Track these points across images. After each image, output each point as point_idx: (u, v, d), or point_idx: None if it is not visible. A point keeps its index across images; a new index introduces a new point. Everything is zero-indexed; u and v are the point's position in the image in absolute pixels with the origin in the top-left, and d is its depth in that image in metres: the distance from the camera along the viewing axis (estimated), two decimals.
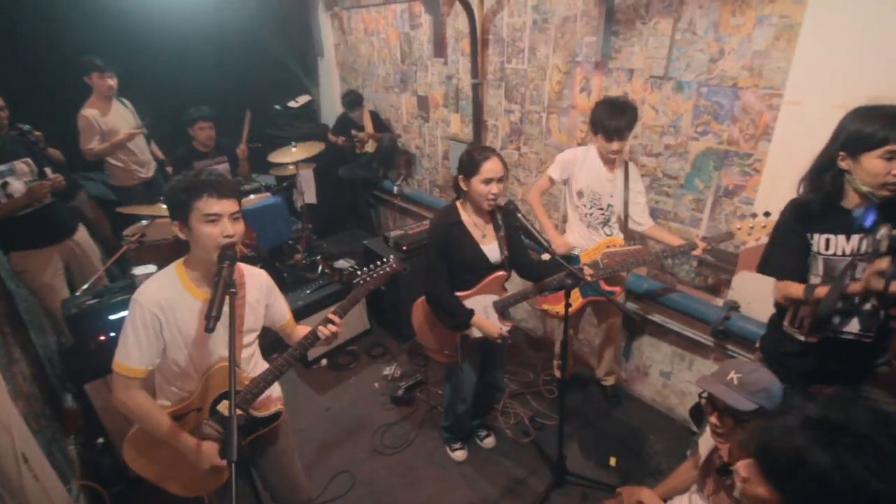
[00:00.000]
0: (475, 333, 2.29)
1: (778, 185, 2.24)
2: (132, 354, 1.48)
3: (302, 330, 1.84)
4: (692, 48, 2.40)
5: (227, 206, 1.46)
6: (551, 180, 2.76)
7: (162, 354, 1.54)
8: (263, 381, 1.64)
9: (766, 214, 2.20)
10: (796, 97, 2.10)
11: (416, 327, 2.42)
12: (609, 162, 2.57)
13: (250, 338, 1.72)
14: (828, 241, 1.67)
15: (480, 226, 2.20)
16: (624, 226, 2.70)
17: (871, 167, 1.51)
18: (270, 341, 1.93)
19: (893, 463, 0.84)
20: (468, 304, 2.25)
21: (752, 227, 2.23)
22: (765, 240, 2.23)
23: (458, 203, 2.21)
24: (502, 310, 2.30)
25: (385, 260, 1.89)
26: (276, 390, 1.82)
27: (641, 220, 2.62)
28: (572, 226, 2.79)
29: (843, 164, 1.60)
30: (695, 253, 2.38)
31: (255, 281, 1.72)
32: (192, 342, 1.56)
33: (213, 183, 1.45)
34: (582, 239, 2.72)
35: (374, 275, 1.84)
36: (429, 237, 2.27)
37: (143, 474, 1.67)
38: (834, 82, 1.98)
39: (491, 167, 2.03)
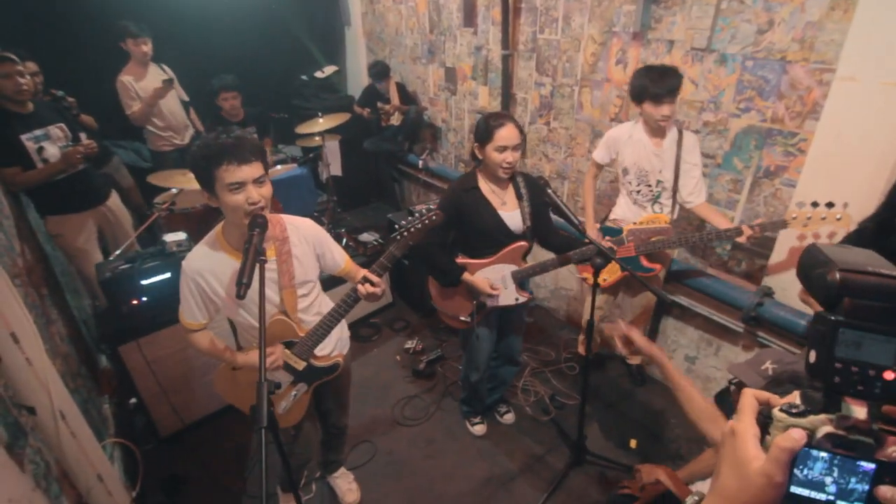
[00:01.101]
0: (489, 301, 2.28)
1: (823, 166, 2.12)
2: (186, 311, 1.67)
3: (361, 271, 1.82)
4: (738, 18, 2.27)
5: (248, 172, 1.44)
6: (598, 165, 2.68)
7: (217, 311, 1.70)
8: (319, 332, 1.73)
9: (829, 205, 2.02)
10: (850, 72, 1.97)
11: (432, 292, 2.42)
12: (658, 134, 2.45)
13: (306, 289, 1.77)
14: None
15: (499, 193, 2.16)
16: (674, 203, 2.56)
17: None
18: None
19: None
20: (486, 272, 2.23)
21: (809, 218, 2.05)
22: (823, 230, 2.10)
23: (477, 170, 2.18)
24: (521, 280, 2.27)
25: (424, 210, 1.78)
26: (331, 343, 1.92)
27: (690, 197, 2.45)
28: (620, 200, 2.70)
29: None
30: (739, 239, 2.27)
31: (301, 232, 1.73)
32: (244, 303, 1.63)
33: (232, 148, 1.41)
34: (630, 215, 2.63)
35: (413, 228, 1.72)
36: (441, 199, 2.25)
37: (231, 401, 1.92)
38: (893, 57, 1.84)
39: (505, 134, 1.98)
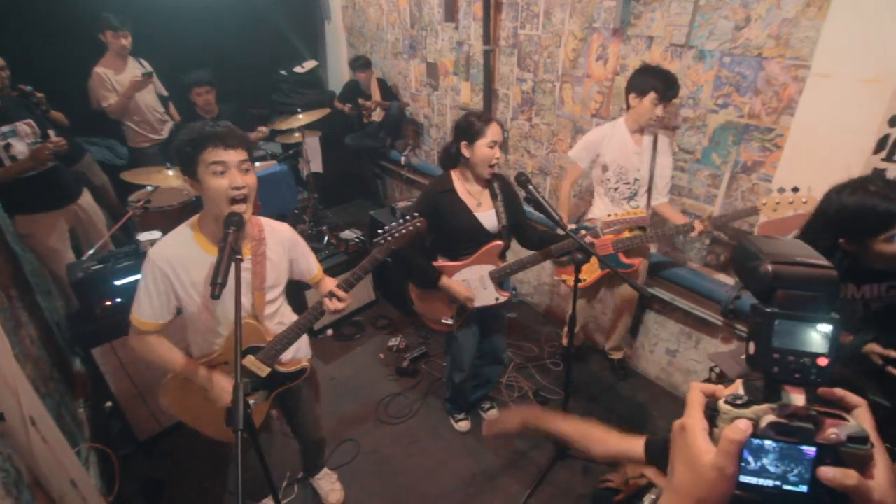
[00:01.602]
0: (468, 303, 2.27)
1: (799, 161, 2.16)
2: (143, 309, 1.54)
3: (330, 283, 1.84)
4: (716, 14, 2.29)
5: (233, 155, 1.42)
6: (580, 170, 2.70)
7: (180, 310, 1.58)
8: (285, 339, 1.67)
9: (795, 189, 2.12)
10: (824, 69, 2.00)
11: (413, 297, 2.41)
12: (638, 132, 2.50)
13: (274, 293, 1.72)
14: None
15: (475, 193, 2.17)
16: (648, 200, 2.62)
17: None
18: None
19: None
20: (464, 273, 2.23)
21: (777, 203, 2.14)
22: (790, 214, 2.17)
23: (452, 172, 2.18)
24: (500, 279, 2.27)
25: (407, 217, 1.77)
26: (294, 349, 1.84)
27: (658, 196, 2.57)
28: (597, 199, 2.74)
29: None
30: (692, 235, 2.37)
31: (277, 236, 1.70)
32: (207, 298, 1.54)
33: (220, 134, 1.41)
34: (607, 212, 2.66)
35: (396, 233, 1.74)
36: (415, 203, 2.25)
37: (181, 417, 1.78)
38: (866, 54, 1.88)
39: (496, 130, 2.03)
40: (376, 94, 4.61)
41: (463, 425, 2.79)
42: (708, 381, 1.70)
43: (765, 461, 0.50)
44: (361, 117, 4.74)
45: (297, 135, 4.07)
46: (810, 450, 0.48)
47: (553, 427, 1.27)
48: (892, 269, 1.50)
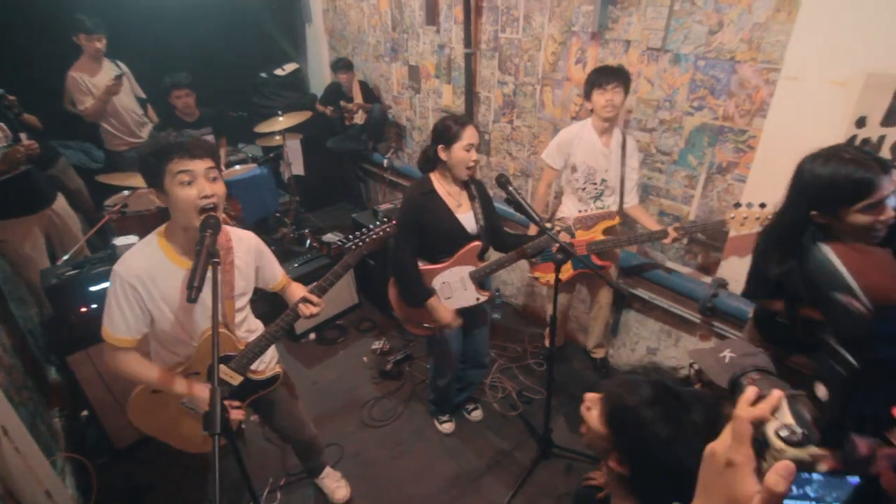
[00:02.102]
0: (450, 304, 2.29)
1: (771, 162, 2.22)
2: (117, 325, 1.49)
3: (297, 289, 1.85)
4: (691, 19, 2.34)
5: (200, 164, 1.41)
6: (554, 171, 2.74)
7: (151, 324, 1.54)
8: (257, 347, 1.66)
9: (762, 206, 2.17)
10: (794, 72, 2.06)
11: (392, 302, 2.41)
12: (606, 133, 2.54)
13: (242, 302, 1.71)
14: None
15: (455, 195, 2.20)
16: (616, 201, 2.68)
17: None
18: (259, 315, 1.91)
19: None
20: (445, 275, 2.24)
21: (745, 218, 2.21)
22: (757, 229, 2.22)
23: (431, 174, 2.20)
24: (480, 280, 2.29)
25: (378, 222, 1.83)
26: (270, 354, 1.84)
27: (627, 198, 2.62)
28: (566, 199, 2.78)
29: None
30: (665, 241, 2.42)
31: (244, 244, 1.70)
32: (180, 311, 1.53)
33: (184, 144, 1.39)
34: (575, 212, 2.70)
35: (368, 238, 1.79)
36: (399, 209, 2.26)
37: (149, 432, 1.74)
38: (833, 58, 1.94)
39: (472, 133, 2.05)
40: (358, 97, 4.60)
41: (447, 427, 2.79)
42: (683, 381, 1.73)
43: (807, 489, 0.48)
44: (343, 120, 4.73)
45: (277, 137, 4.05)
46: (854, 479, 0.47)
47: None
48: None
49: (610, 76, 2.39)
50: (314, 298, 1.67)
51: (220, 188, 1.46)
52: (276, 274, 1.85)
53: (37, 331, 3.05)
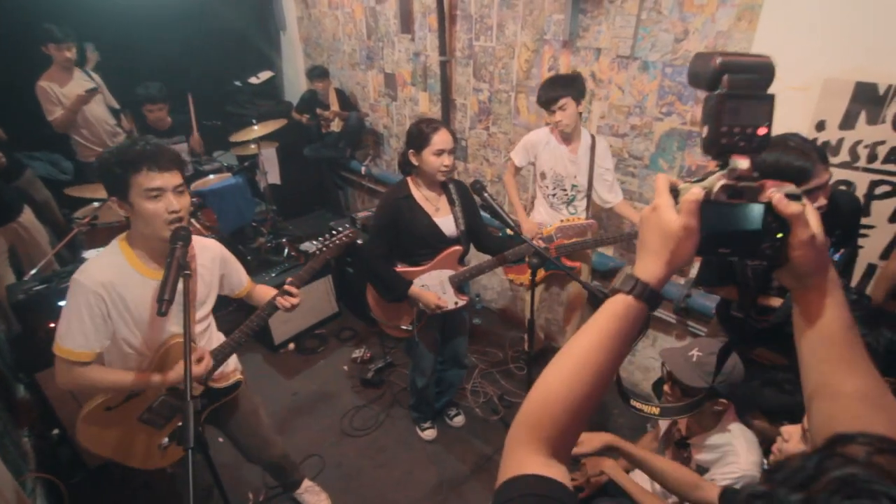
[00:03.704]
0: (429, 309, 2.29)
1: None
2: (76, 339, 1.42)
3: (264, 290, 1.84)
4: (657, 28, 2.41)
5: (168, 179, 1.39)
6: (516, 167, 2.78)
7: (112, 336, 1.49)
8: (222, 354, 1.64)
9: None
10: None
11: (371, 303, 2.41)
12: (571, 140, 2.57)
13: (204, 311, 1.69)
14: None
15: (433, 199, 2.20)
16: (587, 205, 2.71)
17: None
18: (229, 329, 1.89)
19: None
20: (424, 279, 2.25)
21: None
22: None
23: (408, 178, 2.20)
24: (459, 284, 2.30)
25: (340, 229, 1.89)
26: (232, 361, 1.82)
27: (608, 198, 2.62)
28: (538, 204, 2.82)
29: None
30: (636, 241, 2.44)
31: (208, 253, 1.68)
32: (144, 322, 1.50)
33: (151, 154, 1.36)
34: (547, 217, 2.75)
35: (331, 244, 1.84)
36: (375, 211, 2.27)
37: (102, 453, 1.66)
38: (793, 64, 2.02)
39: (441, 138, 2.04)
40: (335, 105, 4.59)
41: (429, 433, 2.79)
42: (659, 380, 1.79)
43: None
44: (320, 128, 4.71)
45: (252, 146, 4.01)
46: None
47: (630, 452, 1.55)
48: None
49: (551, 93, 2.41)
50: (294, 290, 1.66)
51: (185, 202, 1.45)
52: (241, 280, 1.84)
53: (4, 347, 2.95)
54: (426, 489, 2.51)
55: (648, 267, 0.64)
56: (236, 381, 1.80)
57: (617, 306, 0.64)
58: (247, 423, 1.96)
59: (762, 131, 0.60)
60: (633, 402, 0.86)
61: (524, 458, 0.63)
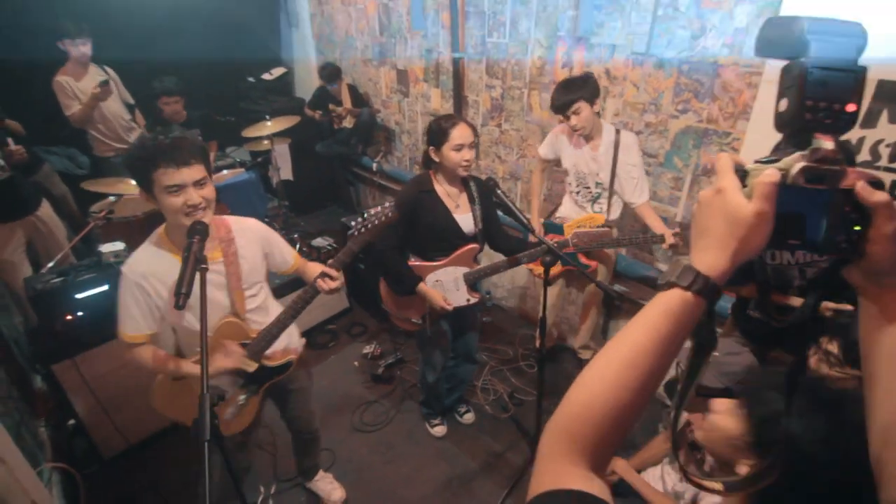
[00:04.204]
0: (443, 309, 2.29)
1: None
2: (128, 324, 1.54)
3: (315, 267, 1.83)
4: (674, 24, 2.38)
5: (187, 174, 1.40)
6: (544, 160, 2.77)
7: (162, 320, 1.59)
8: (269, 334, 1.67)
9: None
10: (776, 76, 2.08)
11: (383, 295, 2.42)
12: (592, 138, 2.53)
13: (254, 289, 1.72)
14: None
15: (454, 195, 2.20)
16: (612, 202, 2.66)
17: None
18: None
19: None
20: (438, 274, 2.25)
21: None
22: None
23: (430, 172, 2.20)
24: (473, 282, 2.30)
25: (380, 207, 1.79)
26: (283, 342, 1.84)
27: (633, 198, 2.53)
28: (565, 200, 2.81)
29: None
30: (663, 246, 2.40)
31: (248, 234, 1.70)
32: (191, 306, 1.51)
33: (169, 149, 1.37)
34: (573, 213, 2.75)
35: (370, 224, 1.75)
36: (396, 201, 2.25)
37: (173, 417, 1.77)
38: None
39: (460, 133, 2.02)
40: (347, 101, 4.60)
41: (439, 430, 2.79)
42: (672, 381, 1.77)
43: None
44: (332, 124, 4.72)
45: (265, 142, 4.03)
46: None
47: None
48: None
49: (564, 98, 2.38)
50: (333, 272, 1.66)
51: (208, 192, 1.47)
52: (286, 258, 1.84)
53: (21, 339, 3.00)
54: (436, 485, 2.52)
55: (710, 258, 0.56)
56: (288, 361, 1.83)
57: (671, 302, 0.56)
58: (300, 398, 2.09)
59: (851, 108, 0.52)
60: (692, 477, 0.76)
61: (562, 470, 0.56)
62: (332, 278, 1.68)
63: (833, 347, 1.42)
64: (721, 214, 0.56)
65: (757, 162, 0.57)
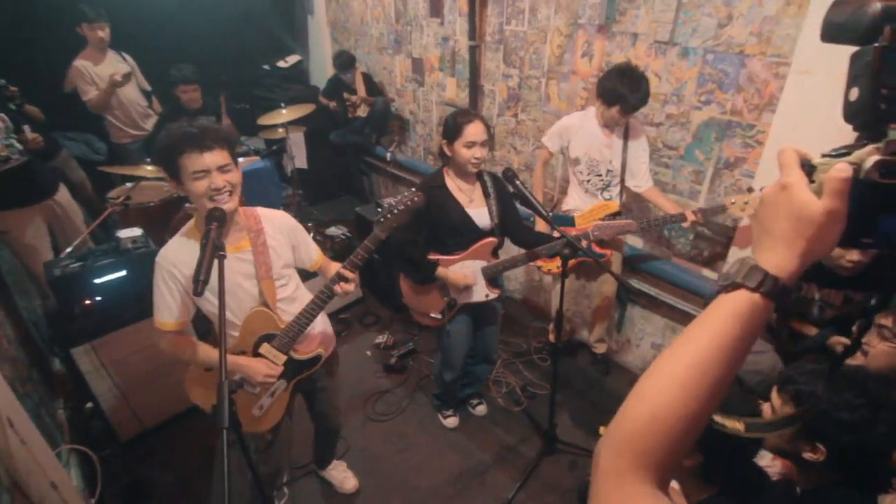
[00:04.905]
0: (460, 298, 2.27)
1: None
2: (162, 312, 1.58)
3: (334, 267, 1.82)
4: (699, 12, 2.31)
5: (211, 159, 1.43)
6: (549, 151, 2.73)
7: (195, 308, 1.63)
8: (295, 327, 1.67)
9: (763, 189, 2.17)
10: (805, 66, 2.04)
11: (403, 290, 2.41)
12: (608, 126, 2.51)
13: (284, 279, 1.74)
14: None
15: (466, 190, 2.18)
16: (621, 190, 2.65)
17: None
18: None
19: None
20: (456, 268, 2.23)
21: (746, 203, 2.17)
22: None
23: (444, 169, 2.19)
24: (491, 276, 2.28)
25: (406, 193, 1.76)
26: (324, 334, 1.90)
27: (640, 182, 2.55)
28: (572, 190, 2.77)
29: None
30: (685, 224, 2.37)
31: (276, 224, 1.72)
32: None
33: (195, 135, 1.41)
34: (581, 202, 2.70)
35: (397, 210, 1.70)
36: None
37: (206, 407, 1.76)
38: (843, 52, 1.91)
39: (473, 131, 2.01)
40: (361, 90, 4.57)
41: (451, 422, 2.79)
42: None
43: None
44: (346, 113, 4.70)
45: (280, 130, 4.02)
46: None
47: None
48: (853, 275, 1.54)
49: (637, 105, 2.31)
50: (348, 274, 1.66)
51: (233, 177, 1.50)
52: (311, 253, 1.85)
53: (40, 322, 3.04)
54: (447, 476, 2.52)
55: (777, 258, 0.53)
56: (317, 355, 1.83)
57: (739, 305, 0.53)
58: (328, 396, 2.10)
59: None
60: (714, 416, 0.75)
61: (631, 490, 0.52)
62: (346, 280, 1.67)
63: (888, 321, 1.40)
64: (788, 212, 0.53)
65: (825, 156, 0.53)
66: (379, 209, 1.75)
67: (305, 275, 1.96)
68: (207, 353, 1.65)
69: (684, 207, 2.62)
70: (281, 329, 1.69)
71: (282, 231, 1.73)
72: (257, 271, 1.64)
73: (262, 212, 1.71)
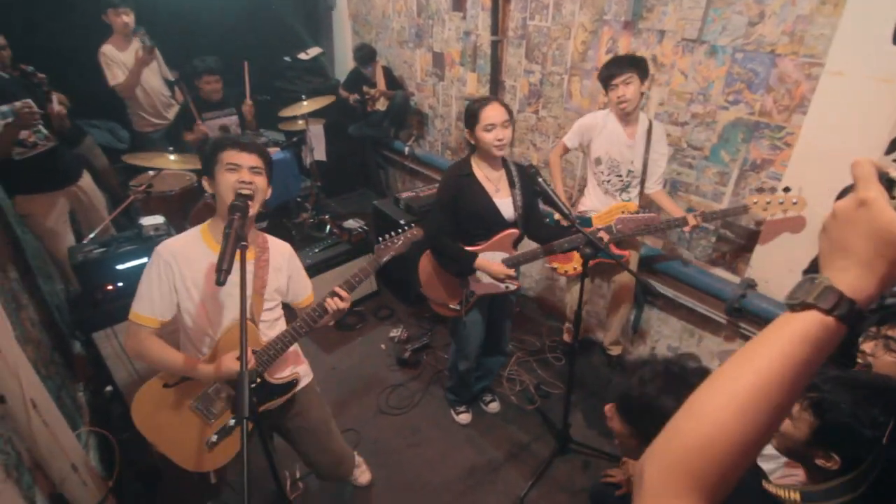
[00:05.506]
0: (484, 280, 2.26)
1: (809, 161, 2.14)
2: (144, 304, 1.54)
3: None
4: (730, 9, 2.26)
5: (247, 158, 1.52)
6: (566, 148, 2.70)
7: (177, 308, 1.58)
8: (279, 344, 1.64)
9: (786, 190, 2.13)
10: (838, 67, 1.98)
11: (422, 279, 2.40)
12: (630, 124, 2.48)
13: (273, 302, 1.73)
14: None
15: (494, 179, 2.17)
16: (641, 191, 2.63)
17: None
18: None
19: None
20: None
21: (768, 202, 2.15)
22: (780, 216, 2.18)
23: (471, 157, 2.19)
24: (511, 268, 2.26)
25: (405, 228, 1.88)
26: (297, 365, 1.87)
27: (651, 185, 2.57)
28: (590, 190, 2.74)
29: None
30: (685, 229, 2.36)
31: (279, 249, 1.76)
32: (208, 298, 1.57)
33: (241, 140, 1.54)
34: (599, 203, 2.68)
35: (391, 243, 1.85)
36: (438, 188, 2.26)
37: (150, 439, 1.68)
38: (880, 53, 1.86)
39: (490, 113, 2.00)
40: (381, 83, 4.57)
41: (464, 417, 2.79)
42: None
43: None
44: (366, 106, 4.70)
45: (300, 122, 4.04)
46: None
47: None
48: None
49: (616, 69, 2.34)
50: (343, 293, 1.66)
51: (260, 181, 1.54)
52: (305, 290, 1.85)
53: (63, 306, 3.10)
54: (459, 471, 2.52)
55: (853, 279, 0.50)
56: (293, 379, 1.78)
57: (809, 327, 0.50)
58: (317, 437, 1.95)
59: None
60: (766, 486, 0.71)
61: None
62: (341, 298, 1.66)
63: (895, 333, 1.36)
64: (867, 231, 0.49)
65: None
66: (385, 236, 1.87)
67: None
68: (177, 361, 1.56)
69: (707, 209, 2.58)
70: (262, 346, 1.63)
71: (283, 256, 1.75)
72: (254, 282, 1.63)
73: (270, 237, 1.76)
